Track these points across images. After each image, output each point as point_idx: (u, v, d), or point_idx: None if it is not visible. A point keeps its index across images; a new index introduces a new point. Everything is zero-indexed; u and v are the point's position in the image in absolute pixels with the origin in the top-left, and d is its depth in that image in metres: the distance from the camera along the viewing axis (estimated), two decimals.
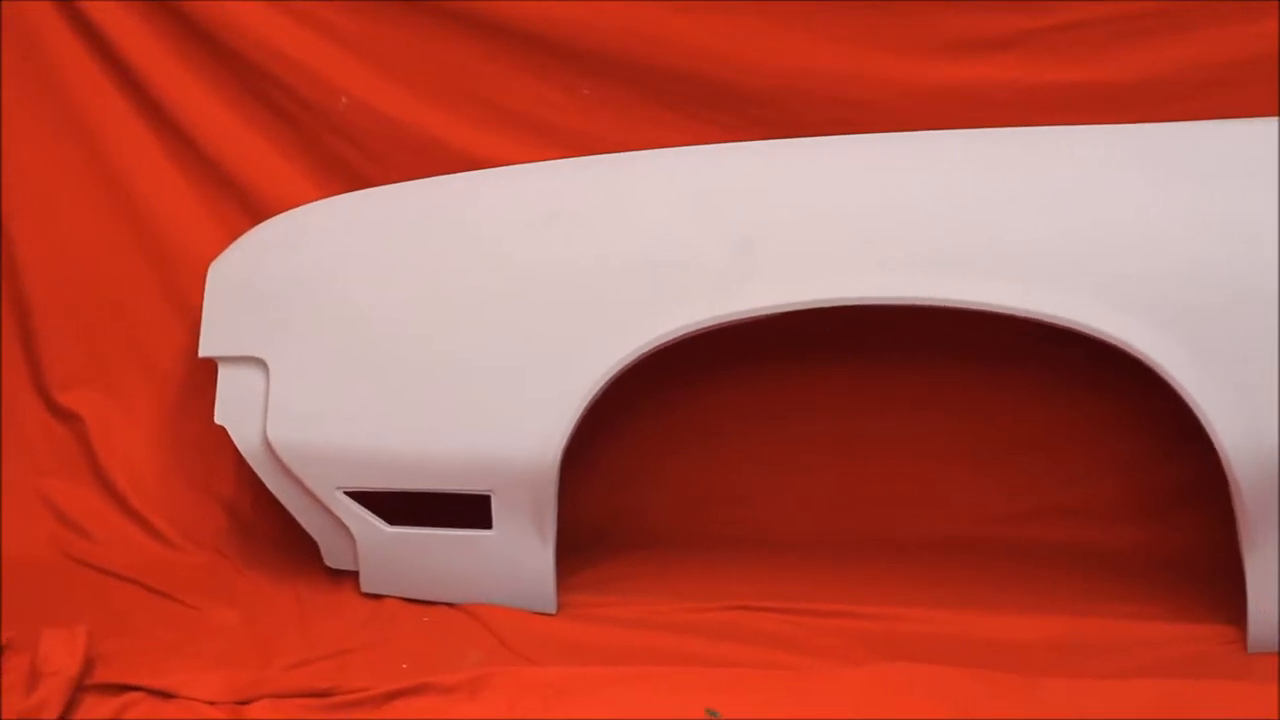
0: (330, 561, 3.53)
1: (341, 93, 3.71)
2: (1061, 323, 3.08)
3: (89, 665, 3.03)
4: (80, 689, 2.97)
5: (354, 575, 3.49)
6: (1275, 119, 3.25)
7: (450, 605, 3.38)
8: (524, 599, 3.35)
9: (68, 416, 3.82)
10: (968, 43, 3.56)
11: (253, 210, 3.72)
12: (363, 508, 3.40)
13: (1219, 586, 3.30)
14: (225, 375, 3.46)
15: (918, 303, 3.13)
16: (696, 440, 3.84)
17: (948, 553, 3.65)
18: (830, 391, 3.77)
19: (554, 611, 3.36)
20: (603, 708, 2.88)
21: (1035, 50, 3.53)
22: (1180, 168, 3.12)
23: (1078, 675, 3.00)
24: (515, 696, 2.90)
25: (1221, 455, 3.03)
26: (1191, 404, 3.03)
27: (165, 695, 2.96)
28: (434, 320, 3.33)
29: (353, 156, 3.73)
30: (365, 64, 3.70)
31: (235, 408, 3.44)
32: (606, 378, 3.21)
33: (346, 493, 3.39)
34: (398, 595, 3.43)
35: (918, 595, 3.39)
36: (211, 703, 2.93)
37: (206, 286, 3.53)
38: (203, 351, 3.49)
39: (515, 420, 3.24)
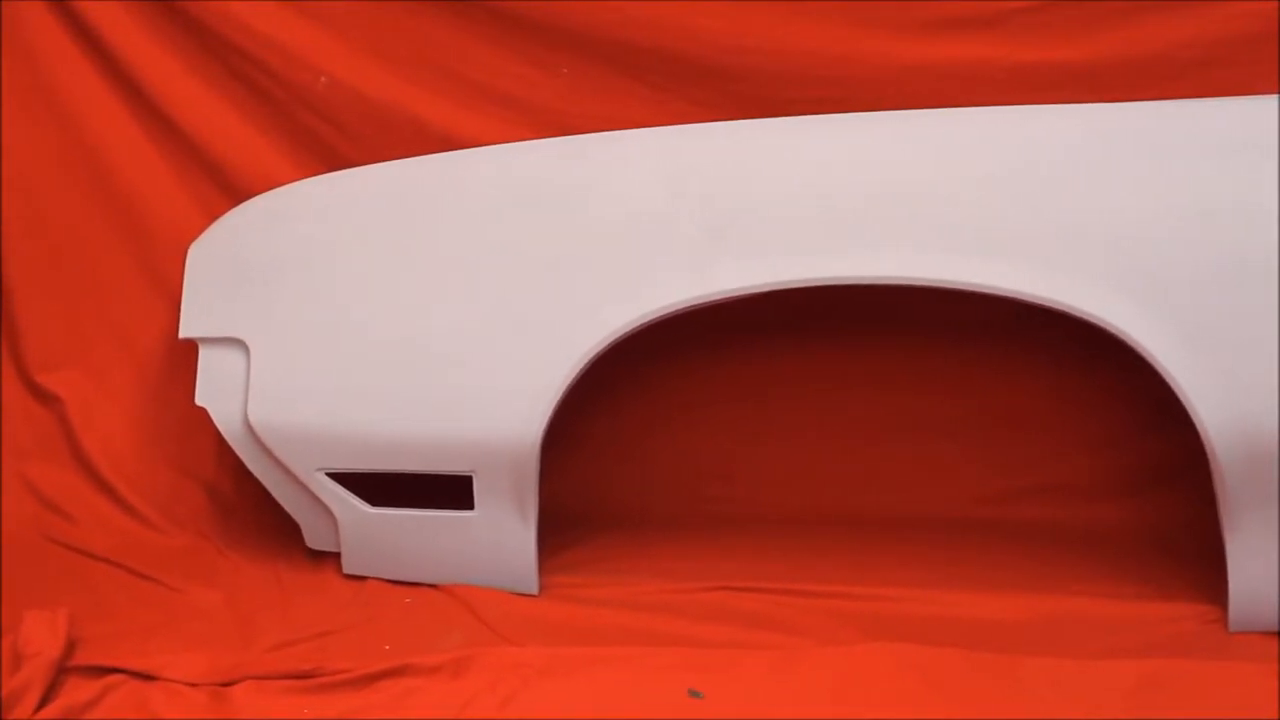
0: (312, 543, 3.53)
1: (321, 73, 3.71)
2: (1044, 302, 3.09)
3: (71, 647, 3.03)
4: (62, 671, 2.97)
5: (336, 556, 3.49)
6: (1258, 98, 3.26)
7: (432, 586, 3.38)
8: (506, 580, 3.36)
9: (48, 398, 3.81)
10: (951, 21, 3.56)
11: (232, 191, 3.71)
12: (344, 489, 3.39)
13: (1200, 565, 3.31)
14: (206, 356, 3.45)
15: (897, 282, 3.13)
16: (679, 420, 3.85)
17: (930, 532, 3.65)
18: (813, 370, 3.78)
19: (536, 592, 3.37)
20: (585, 688, 2.89)
21: (1019, 29, 3.53)
22: (1162, 147, 3.12)
23: (1060, 654, 3.01)
24: (497, 677, 2.91)
25: (1202, 434, 3.04)
26: (1172, 383, 3.03)
27: (147, 677, 2.96)
28: (414, 301, 3.33)
29: (332, 136, 3.73)
30: (345, 44, 3.70)
31: (216, 389, 3.43)
32: (587, 358, 3.21)
33: (328, 474, 3.38)
34: (379, 576, 3.44)
35: (901, 575, 3.40)
36: (193, 684, 2.94)
37: (186, 267, 3.53)
38: (183, 333, 3.48)
39: (496, 401, 3.24)
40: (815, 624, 3.19)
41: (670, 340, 3.54)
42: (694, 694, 2.85)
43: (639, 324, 3.22)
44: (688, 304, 3.21)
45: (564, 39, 3.64)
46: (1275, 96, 3.28)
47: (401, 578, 3.42)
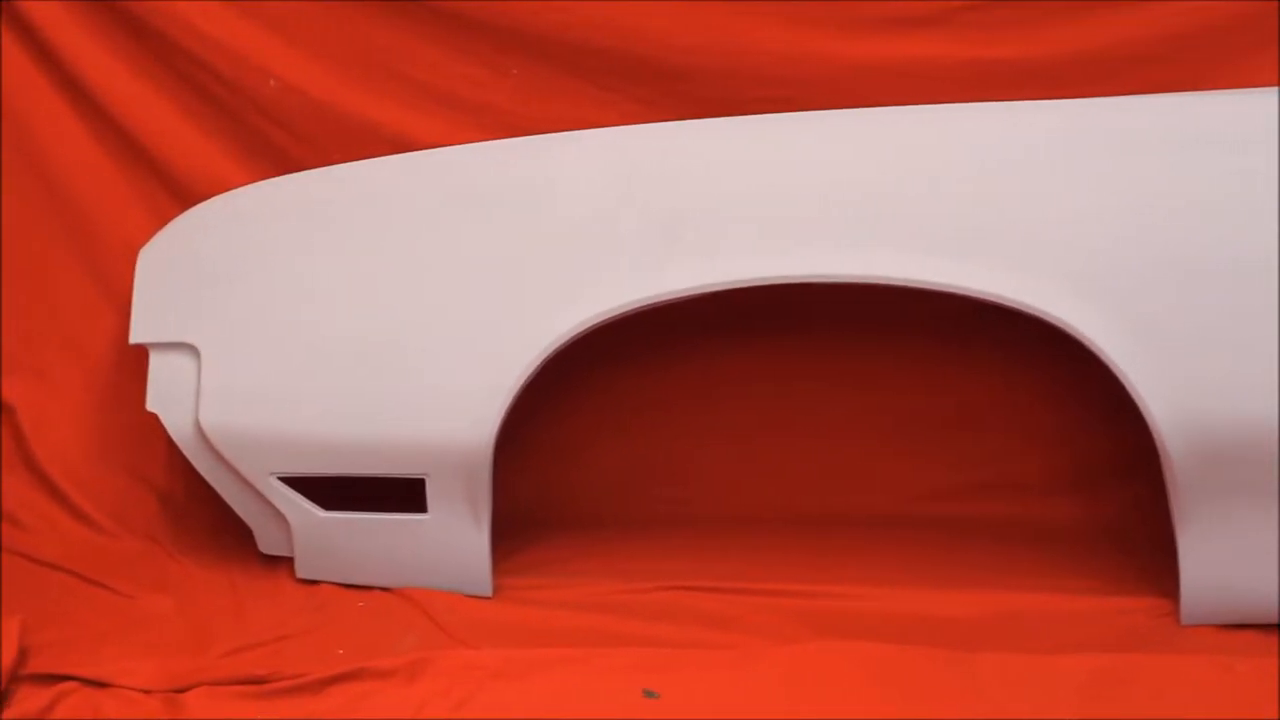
0: (265, 547, 3.52)
1: (270, 76, 3.70)
2: (995, 300, 3.09)
3: (22, 655, 3.01)
4: (14, 679, 2.95)
5: (289, 561, 3.48)
6: (1208, 94, 3.29)
7: (386, 590, 3.37)
8: (460, 582, 3.35)
9: None
10: (899, 20, 3.57)
11: (182, 195, 3.70)
12: (297, 493, 3.38)
13: (1152, 559, 3.33)
14: (156, 362, 3.44)
15: (847, 281, 3.14)
16: (632, 421, 3.85)
17: (884, 529, 3.66)
18: (764, 370, 3.78)
19: (490, 594, 3.36)
20: (540, 690, 2.89)
21: (966, 27, 3.55)
22: (1112, 144, 3.13)
23: (1014, 650, 3.02)
24: (451, 680, 2.90)
25: (1152, 428, 3.05)
26: (1123, 379, 3.05)
27: (100, 684, 2.94)
28: (365, 304, 3.32)
29: (282, 139, 3.71)
30: (293, 47, 3.69)
31: (167, 394, 3.42)
32: (539, 359, 3.21)
33: (280, 478, 3.37)
34: (333, 580, 3.43)
35: (854, 572, 3.40)
36: (146, 691, 2.92)
37: (136, 273, 3.51)
38: (133, 338, 3.47)
39: (449, 403, 3.24)
40: (770, 623, 3.19)
41: (622, 342, 3.54)
42: (649, 694, 2.85)
43: (591, 324, 3.22)
44: (639, 304, 3.21)
45: (513, 40, 3.64)
46: (1225, 93, 3.31)
47: (355, 581, 3.41)
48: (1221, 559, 3.11)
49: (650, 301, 3.21)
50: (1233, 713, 2.78)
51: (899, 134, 3.28)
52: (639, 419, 3.84)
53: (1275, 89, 3.30)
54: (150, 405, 3.43)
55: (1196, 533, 3.11)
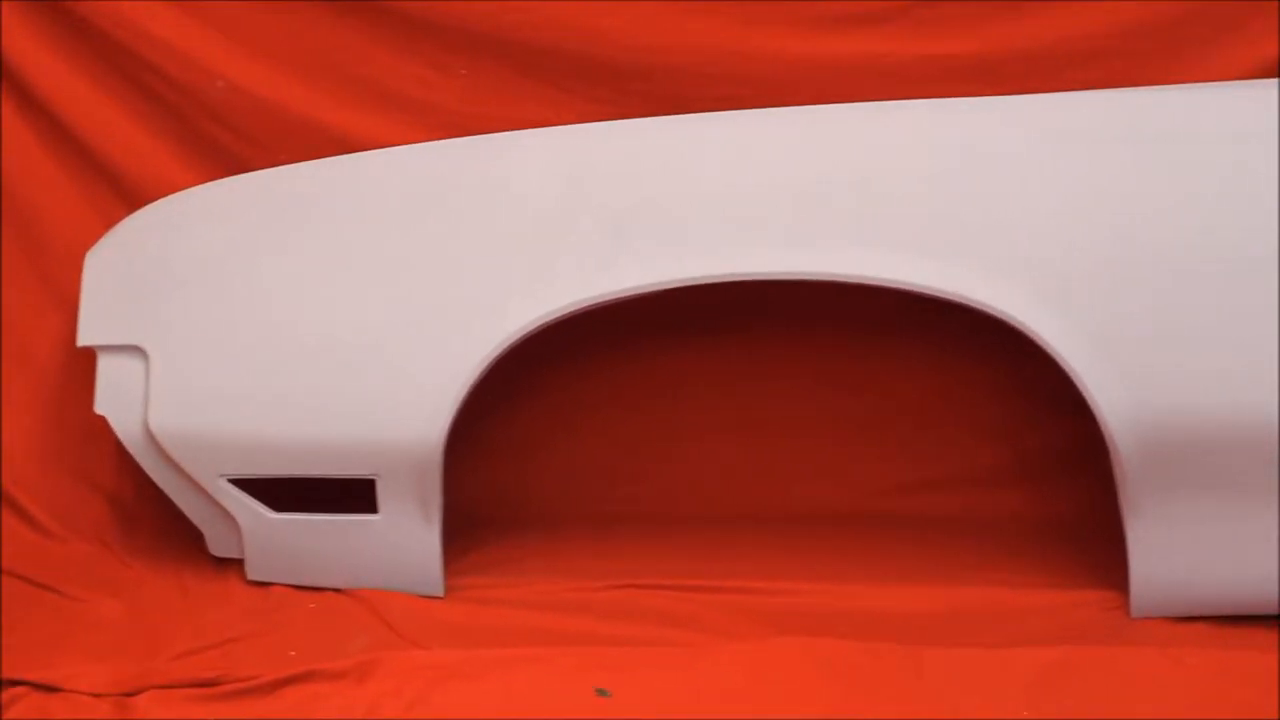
0: (215, 550, 3.51)
1: (217, 77, 3.68)
2: (943, 295, 3.10)
3: None
4: None
5: (239, 563, 3.46)
6: (1154, 89, 3.30)
7: (337, 591, 3.36)
8: (411, 583, 3.35)
9: None
10: (847, 17, 3.59)
11: (129, 197, 3.68)
12: (247, 495, 3.37)
13: (1101, 552, 3.35)
14: (105, 364, 3.42)
15: (797, 278, 3.15)
16: (582, 420, 3.85)
17: (834, 526, 3.67)
18: (714, 369, 3.79)
19: (441, 594, 3.36)
20: (492, 689, 2.88)
21: (914, 23, 3.57)
22: (1055, 138, 3.15)
23: (964, 644, 3.04)
24: (403, 681, 2.90)
25: (1101, 423, 3.06)
26: (1071, 373, 3.06)
27: (49, 689, 2.92)
28: (314, 304, 3.31)
29: (230, 141, 3.70)
30: (241, 48, 3.67)
31: (115, 397, 3.40)
32: (490, 358, 3.20)
33: (230, 480, 3.36)
34: (284, 582, 3.41)
35: (806, 569, 3.42)
36: (97, 695, 2.91)
37: (84, 275, 3.48)
38: (81, 340, 3.44)
39: (398, 403, 3.23)
40: (722, 620, 3.20)
41: (574, 341, 3.56)
42: (601, 693, 2.85)
43: (542, 323, 3.21)
44: (591, 302, 3.21)
45: (461, 40, 3.64)
46: (1177, 88, 3.33)
47: (306, 583, 3.40)
48: (1170, 552, 3.13)
49: (602, 300, 3.21)
50: (1183, 704, 2.80)
51: (852, 131, 3.29)
52: (592, 418, 3.84)
53: (1228, 84, 3.34)
54: (99, 408, 3.41)
55: (1145, 526, 3.13)
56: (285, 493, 3.38)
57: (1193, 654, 2.96)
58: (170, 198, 3.58)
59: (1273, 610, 3.11)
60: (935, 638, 3.08)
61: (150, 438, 3.36)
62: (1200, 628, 3.11)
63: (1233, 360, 3.01)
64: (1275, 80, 3.36)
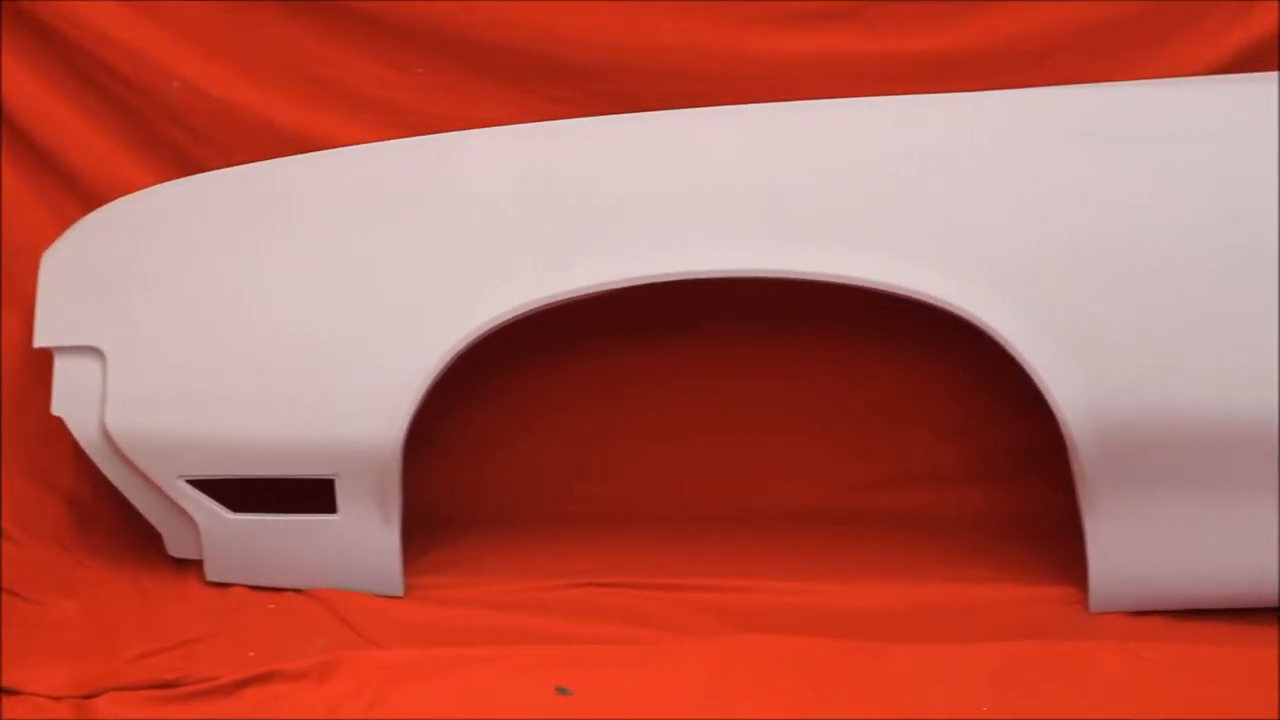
0: (174, 551, 3.49)
1: (174, 77, 3.66)
2: (901, 292, 3.12)
3: None
4: None
5: (198, 564, 3.45)
6: (1108, 85, 3.32)
7: (296, 591, 3.35)
8: (370, 582, 3.34)
9: None
10: (804, 14, 3.59)
11: (85, 198, 3.65)
12: (205, 495, 3.36)
13: (1061, 548, 3.37)
14: (62, 365, 3.40)
15: (755, 275, 3.15)
16: (542, 419, 3.84)
17: (795, 523, 3.68)
18: (673, 367, 3.79)
19: (401, 594, 3.35)
20: (452, 689, 2.88)
21: (871, 20, 3.57)
22: (1014, 135, 3.16)
23: (926, 640, 3.05)
24: (363, 681, 2.89)
25: (1059, 420, 3.08)
26: (1029, 369, 3.07)
27: (8, 692, 2.91)
28: (271, 304, 3.30)
29: (186, 141, 3.69)
30: (196, 47, 3.66)
31: (73, 398, 3.38)
32: (447, 358, 3.20)
33: (188, 481, 3.35)
34: (243, 583, 3.40)
35: (767, 566, 3.43)
36: (55, 697, 2.89)
37: (40, 276, 3.47)
38: (38, 342, 3.43)
39: (356, 403, 3.23)
40: (682, 618, 3.20)
41: (534, 339, 3.56)
42: (562, 691, 2.85)
43: (499, 322, 3.22)
44: (548, 301, 3.22)
45: (418, 39, 3.63)
46: (1131, 85, 3.35)
47: (265, 583, 3.39)
48: (1128, 548, 3.15)
49: (561, 298, 3.21)
50: (1141, 698, 2.82)
51: (807, 129, 3.30)
52: (552, 417, 3.84)
53: (1185, 80, 3.36)
54: (55, 409, 3.39)
55: (1104, 522, 3.15)
56: (244, 493, 3.37)
57: (1150, 648, 2.98)
58: (127, 198, 3.56)
59: (1229, 605, 3.13)
60: (897, 634, 3.10)
61: (108, 439, 3.35)
62: (1158, 622, 3.14)
63: (1190, 358, 3.03)
64: (1232, 76, 3.39)
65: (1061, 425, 3.09)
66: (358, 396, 3.23)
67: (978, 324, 3.09)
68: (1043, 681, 2.88)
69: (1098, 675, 2.89)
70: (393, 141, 3.54)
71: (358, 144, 3.56)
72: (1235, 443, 3.04)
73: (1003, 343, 3.08)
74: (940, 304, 3.10)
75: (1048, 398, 3.08)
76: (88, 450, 3.40)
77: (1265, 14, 3.47)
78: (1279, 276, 3.00)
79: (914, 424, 3.75)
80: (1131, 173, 3.09)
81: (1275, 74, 3.35)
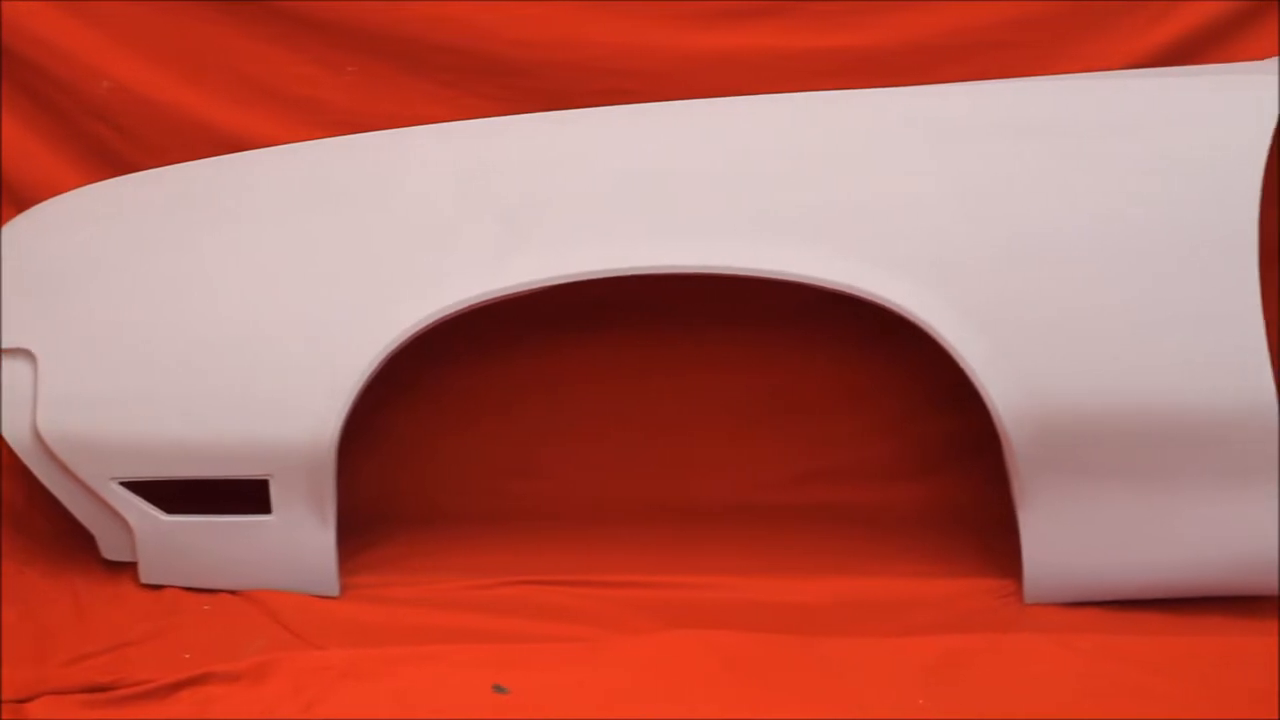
0: (107, 553, 3.47)
1: (103, 77, 3.66)
2: (835, 286, 3.12)
3: None
4: None
5: (133, 566, 3.43)
6: (1037, 80, 3.34)
7: (232, 592, 3.34)
8: (306, 583, 3.33)
9: None
10: (735, 11, 3.62)
11: (14, 199, 3.65)
12: (139, 497, 3.34)
13: (995, 541, 3.39)
14: None
15: (689, 271, 3.16)
16: (477, 416, 3.83)
17: (730, 518, 3.68)
18: (609, 363, 3.79)
19: (337, 594, 3.34)
20: (389, 688, 2.88)
21: (801, 16, 3.60)
22: (944, 130, 3.18)
23: (861, 634, 3.07)
24: (300, 681, 2.89)
25: (992, 412, 3.09)
26: (962, 363, 3.08)
27: None
28: (203, 304, 3.28)
29: (117, 142, 3.68)
30: (126, 48, 3.65)
31: (3, 401, 3.35)
32: (381, 356, 3.19)
33: (122, 483, 3.33)
34: (178, 584, 3.38)
35: (703, 562, 3.43)
36: None
37: None
38: None
39: (290, 402, 3.21)
40: (618, 614, 3.21)
41: (467, 337, 3.55)
42: (499, 689, 2.85)
43: (433, 320, 3.21)
44: (482, 299, 3.21)
45: (348, 37, 3.64)
46: (1057, 78, 3.37)
47: (200, 585, 3.37)
48: (1062, 539, 3.16)
49: (494, 296, 3.20)
50: (1076, 688, 2.85)
51: (737, 124, 3.31)
52: (486, 414, 3.83)
53: (1112, 74, 3.38)
54: None
55: (1038, 514, 3.16)
56: (178, 494, 3.35)
57: (1085, 639, 3.01)
58: (57, 199, 3.55)
59: (1162, 595, 3.16)
60: (832, 628, 3.11)
61: (39, 441, 3.32)
62: (1092, 613, 3.16)
63: (1122, 351, 3.05)
64: (1163, 70, 3.41)
65: (995, 419, 3.10)
66: (291, 396, 3.21)
67: (910, 318, 3.09)
68: (978, 674, 2.91)
69: (1033, 667, 2.92)
70: (325, 140, 3.54)
71: (288, 143, 3.56)
72: (1167, 435, 3.06)
73: (935, 336, 3.09)
74: (874, 299, 3.10)
75: (981, 391, 3.09)
76: (19, 453, 3.37)
77: (1190, 11, 3.50)
78: (1212, 269, 3.02)
79: (847, 418, 3.76)
80: (1064, 167, 3.10)
81: (1205, 67, 3.38)
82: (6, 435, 3.35)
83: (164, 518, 3.35)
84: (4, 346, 3.36)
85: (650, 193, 3.21)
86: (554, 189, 3.26)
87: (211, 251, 3.32)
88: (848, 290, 3.12)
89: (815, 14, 3.57)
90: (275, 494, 3.28)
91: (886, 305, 3.10)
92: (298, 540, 3.32)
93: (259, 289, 3.27)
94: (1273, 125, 3.04)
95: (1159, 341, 3.04)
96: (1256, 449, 3.05)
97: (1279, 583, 3.13)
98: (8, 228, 3.51)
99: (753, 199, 3.17)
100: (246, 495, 3.30)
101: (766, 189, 3.18)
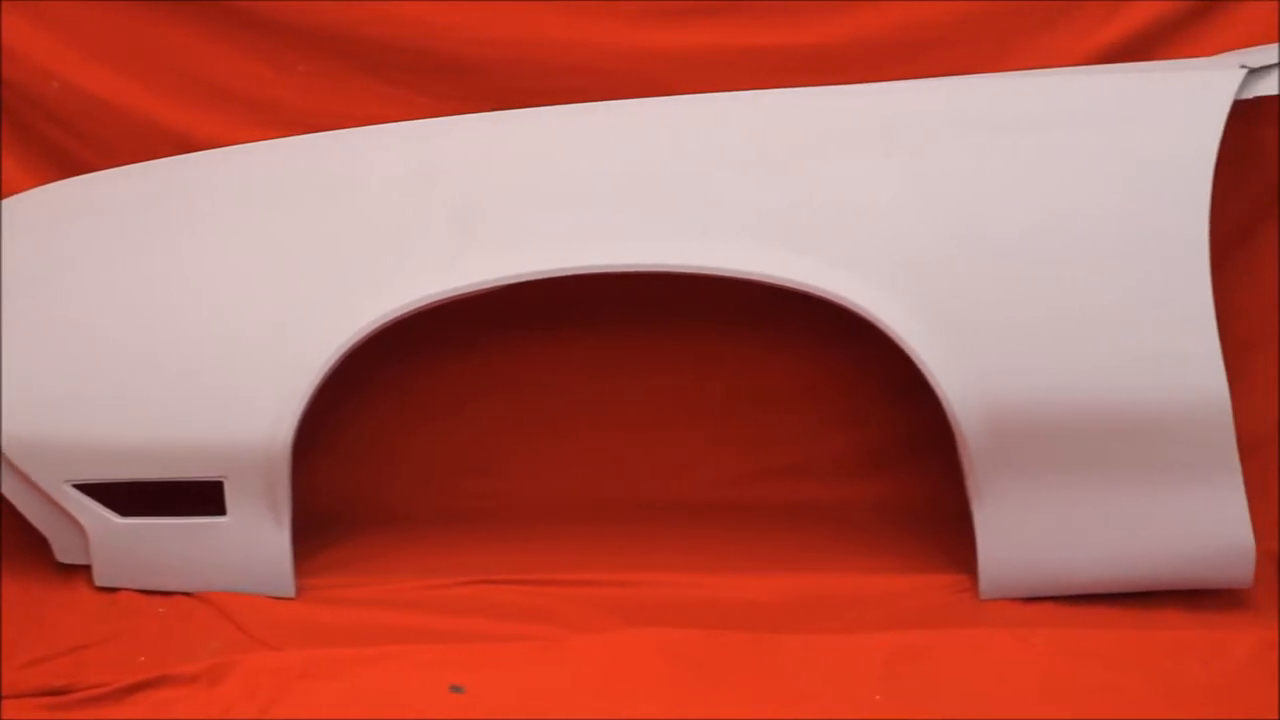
0: (62, 556, 3.45)
1: (52, 77, 3.64)
2: (786, 283, 3.12)
3: None
4: None
5: (87, 569, 3.42)
6: (988, 76, 3.35)
7: (187, 594, 3.33)
8: (262, 584, 3.32)
9: None
10: (686, 8, 3.61)
11: None
12: (93, 500, 3.33)
13: (950, 536, 3.39)
14: None
15: (642, 269, 3.15)
16: (432, 416, 3.83)
17: (686, 516, 3.69)
18: (564, 362, 3.79)
19: (293, 595, 3.34)
20: (346, 689, 2.88)
21: (754, 14, 3.59)
22: (894, 126, 3.18)
23: (817, 631, 3.08)
24: (255, 683, 2.89)
25: (946, 408, 3.10)
26: (915, 359, 3.09)
27: None
28: (157, 305, 3.27)
29: (67, 142, 3.66)
30: (76, 48, 3.63)
31: None
32: (336, 356, 3.18)
33: (75, 486, 3.32)
34: (133, 587, 3.37)
35: (659, 560, 3.44)
36: None
37: None
38: None
39: (243, 404, 3.20)
40: (575, 613, 3.21)
41: (424, 335, 3.54)
42: (455, 689, 2.85)
43: (388, 320, 3.20)
44: (437, 298, 3.20)
45: (299, 37, 3.62)
46: (1007, 75, 3.38)
47: (155, 587, 3.36)
48: (1017, 535, 3.18)
49: (448, 295, 3.20)
50: (1031, 682, 2.87)
51: (689, 122, 3.32)
52: (442, 413, 3.83)
53: (1062, 71, 3.39)
54: None
55: (992, 509, 3.17)
56: (132, 497, 3.34)
57: (1040, 633, 3.03)
58: (7, 201, 3.53)
59: (1117, 589, 3.18)
60: (788, 625, 3.12)
61: None
62: (1047, 607, 3.17)
63: (1074, 345, 3.06)
64: (1113, 66, 3.42)
65: (949, 415, 3.11)
66: (245, 397, 3.20)
67: (863, 314, 3.10)
68: (934, 669, 2.92)
69: (988, 662, 2.94)
70: (277, 140, 3.53)
71: (239, 143, 3.55)
72: (1121, 431, 3.07)
73: (889, 332, 3.09)
74: (830, 298, 3.11)
75: (935, 387, 3.10)
76: None
77: (1138, 9, 3.51)
78: (1165, 264, 3.04)
79: (802, 414, 3.76)
80: (1011, 162, 3.11)
81: (1159, 64, 3.40)
82: None
83: (118, 520, 3.34)
84: None
85: (605, 191, 3.21)
86: (509, 188, 3.26)
87: (165, 253, 3.30)
88: (803, 289, 3.12)
89: (770, 12, 3.57)
90: (230, 495, 3.27)
91: (842, 303, 3.10)
92: (253, 542, 3.31)
93: (213, 290, 3.26)
94: (1224, 122, 3.06)
95: (1112, 337, 3.05)
96: (1212, 444, 3.06)
97: (1253, 575, 3.16)
98: None
99: (706, 197, 3.17)
100: (201, 497, 3.29)
101: (720, 187, 3.18)
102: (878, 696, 2.84)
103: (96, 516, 3.34)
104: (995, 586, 3.21)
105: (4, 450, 3.30)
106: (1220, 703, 2.81)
